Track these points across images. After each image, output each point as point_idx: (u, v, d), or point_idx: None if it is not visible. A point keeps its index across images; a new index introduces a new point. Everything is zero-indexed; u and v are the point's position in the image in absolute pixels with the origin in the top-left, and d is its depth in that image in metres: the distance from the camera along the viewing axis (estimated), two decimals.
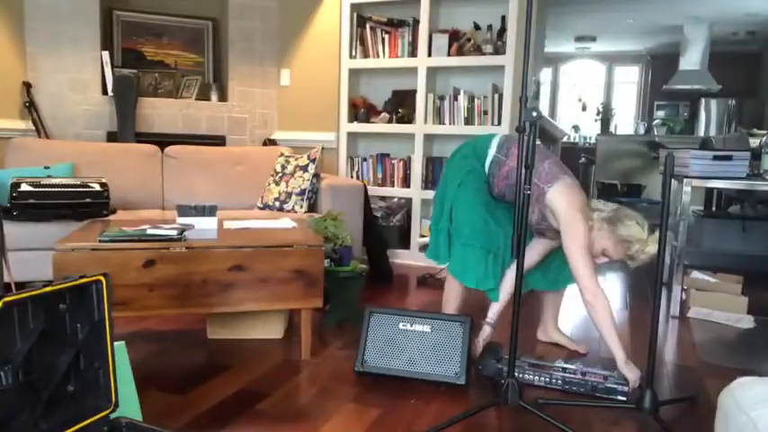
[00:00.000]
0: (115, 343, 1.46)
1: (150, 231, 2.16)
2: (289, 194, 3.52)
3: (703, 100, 8.66)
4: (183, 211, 2.49)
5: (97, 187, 3.01)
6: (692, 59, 7.96)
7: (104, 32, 4.23)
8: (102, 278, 1.37)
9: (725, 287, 3.35)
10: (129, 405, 1.60)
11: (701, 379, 2.31)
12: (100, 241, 2.07)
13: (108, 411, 1.40)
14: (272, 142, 4.60)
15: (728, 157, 3.09)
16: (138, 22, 4.40)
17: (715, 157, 3.08)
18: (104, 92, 4.16)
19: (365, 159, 4.43)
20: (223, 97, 4.57)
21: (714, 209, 5.80)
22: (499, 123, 3.96)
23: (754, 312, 3.16)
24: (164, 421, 1.80)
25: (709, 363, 2.50)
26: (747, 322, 3.07)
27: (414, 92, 4.21)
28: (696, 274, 3.44)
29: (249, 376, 2.17)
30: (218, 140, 4.47)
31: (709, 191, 5.69)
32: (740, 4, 6.59)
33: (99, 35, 4.14)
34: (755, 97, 8.62)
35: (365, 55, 4.36)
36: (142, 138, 4.10)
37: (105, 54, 4.15)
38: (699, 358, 2.55)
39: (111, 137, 4.13)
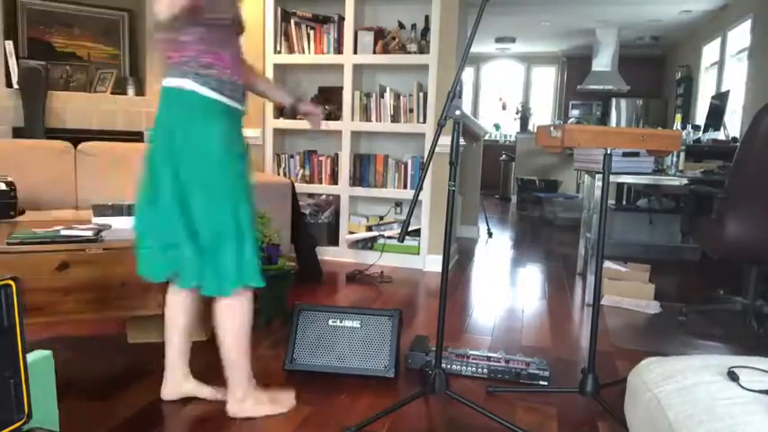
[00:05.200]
0: (42, 353, 1.40)
1: (64, 232, 2.05)
2: None
3: (614, 99, 9.19)
4: (100, 210, 2.38)
5: (2, 186, 2.81)
6: (603, 61, 8.42)
7: (7, 20, 3.95)
8: (11, 282, 1.30)
9: (634, 276, 3.59)
10: (46, 415, 1.52)
11: (613, 362, 2.47)
12: (8, 243, 1.95)
13: (20, 423, 1.32)
14: None
15: (636, 154, 3.30)
16: (45, 11, 4.14)
17: (624, 154, 3.28)
18: (8, 84, 3.89)
19: (292, 156, 4.39)
20: (141, 91, 4.39)
21: (624, 202, 6.18)
22: (424, 121, 4.04)
23: (660, 298, 3.41)
24: (84, 430, 1.72)
25: (620, 347, 2.68)
26: (654, 308, 3.29)
27: (340, 89, 4.21)
28: (608, 264, 3.65)
29: None
30: (136, 136, 4.30)
31: (620, 185, 6.05)
32: (645, 10, 7.03)
33: (1, 23, 3.86)
34: (660, 98, 9.25)
35: (290, 50, 4.32)
36: (53, 134, 3.87)
37: (9, 44, 3.88)
38: (611, 343, 2.72)
39: (18, 133, 3.88)
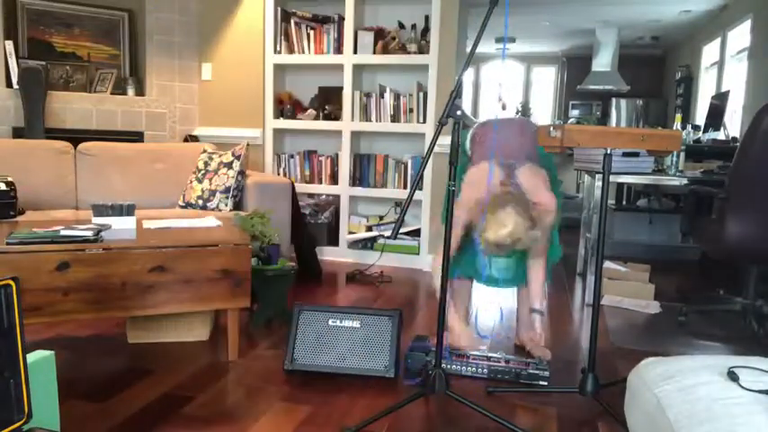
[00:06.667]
0: (43, 353, 1.40)
1: (64, 232, 2.05)
2: (213, 192, 3.43)
3: (614, 99, 9.19)
4: (99, 210, 2.37)
5: (2, 186, 2.81)
6: (603, 61, 8.42)
7: (7, 21, 3.95)
8: (11, 282, 1.30)
9: (634, 276, 3.59)
10: (48, 415, 1.52)
11: (613, 362, 2.47)
12: (8, 243, 1.94)
13: (20, 423, 1.32)
14: (194, 138, 4.47)
15: (636, 154, 3.29)
16: (45, 11, 4.14)
17: (624, 154, 3.28)
18: (8, 84, 3.89)
19: (292, 156, 4.39)
20: (141, 91, 4.39)
21: (624, 203, 6.17)
22: (424, 121, 4.04)
23: (660, 298, 3.41)
24: (84, 430, 1.72)
25: (620, 346, 2.67)
26: (654, 308, 3.29)
27: (340, 89, 4.21)
28: (608, 264, 3.65)
29: (174, 380, 2.11)
30: (136, 136, 4.30)
31: (620, 185, 6.05)
32: (645, 10, 7.03)
33: (1, 23, 3.86)
34: (660, 98, 9.25)
35: (290, 50, 4.31)
36: (53, 134, 3.86)
37: (9, 44, 3.88)
38: (611, 343, 2.72)
39: (18, 133, 3.88)
